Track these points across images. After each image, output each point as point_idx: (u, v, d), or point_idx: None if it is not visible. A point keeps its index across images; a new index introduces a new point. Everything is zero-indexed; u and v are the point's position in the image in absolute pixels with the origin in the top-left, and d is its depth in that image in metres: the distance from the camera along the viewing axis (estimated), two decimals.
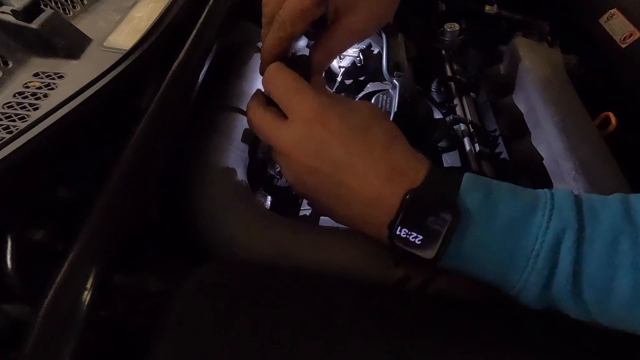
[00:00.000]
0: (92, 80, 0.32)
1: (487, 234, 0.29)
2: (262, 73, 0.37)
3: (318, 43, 0.38)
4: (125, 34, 0.41)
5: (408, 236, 0.29)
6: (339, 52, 0.40)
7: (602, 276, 0.27)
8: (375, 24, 0.39)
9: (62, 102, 0.31)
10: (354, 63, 0.63)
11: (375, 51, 0.63)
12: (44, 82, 0.35)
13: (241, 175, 0.39)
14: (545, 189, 0.31)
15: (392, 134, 0.34)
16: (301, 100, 0.32)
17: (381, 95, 0.54)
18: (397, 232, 0.30)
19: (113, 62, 0.34)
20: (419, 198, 0.30)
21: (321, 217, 0.45)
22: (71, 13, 0.43)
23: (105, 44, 0.39)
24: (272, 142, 0.34)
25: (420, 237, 0.29)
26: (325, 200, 0.33)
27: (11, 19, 0.36)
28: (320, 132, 0.31)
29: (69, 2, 0.43)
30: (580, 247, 0.27)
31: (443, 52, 0.66)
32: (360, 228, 0.33)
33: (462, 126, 0.55)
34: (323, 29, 0.38)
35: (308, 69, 0.37)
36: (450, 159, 0.56)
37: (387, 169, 0.31)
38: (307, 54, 0.39)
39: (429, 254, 0.29)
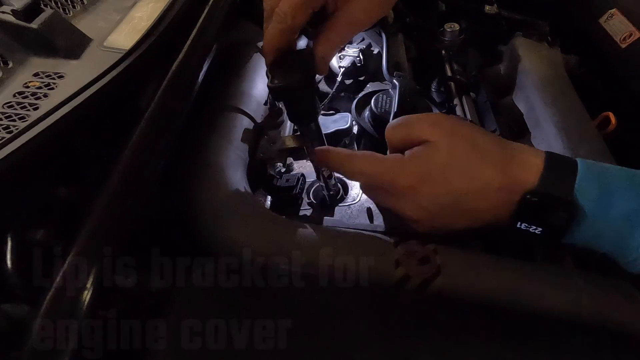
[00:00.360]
0: (92, 80, 0.32)
1: (602, 226, 0.31)
2: (267, 65, 0.36)
3: (320, 35, 0.37)
4: (125, 34, 0.41)
5: (528, 228, 0.33)
6: (341, 43, 0.40)
7: None
8: (375, 14, 0.39)
9: (62, 102, 0.31)
10: (354, 63, 0.63)
11: (375, 51, 0.63)
12: (44, 82, 0.35)
13: (241, 175, 0.39)
14: None
15: (486, 142, 0.35)
16: (394, 177, 0.35)
17: (381, 95, 0.54)
18: (519, 226, 0.33)
19: (113, 62, 0.34)
20: (536, 197, 0.32)
21: (325, 218, 0.45)
22: (71, 13, 0.43)
23: (105, 43, 0.39)
24: (397, 213, 0.37)
25: (540, 229, 0.33)
26: (454, 224, 0.36)
27: (11, 19, 0.36)
28: (425, 192, 0.34)
29: (69, 2, 0.43)
30: None
31: (443, 52, 0.66)
32: (483, 226, 0.36)
33: None
34: (324, 21, 0.37)
35: (312, 62, 0.36)
36: None
37: (502, 178, 0.33)
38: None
39: (548, 239, 0.33)
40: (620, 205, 0.31)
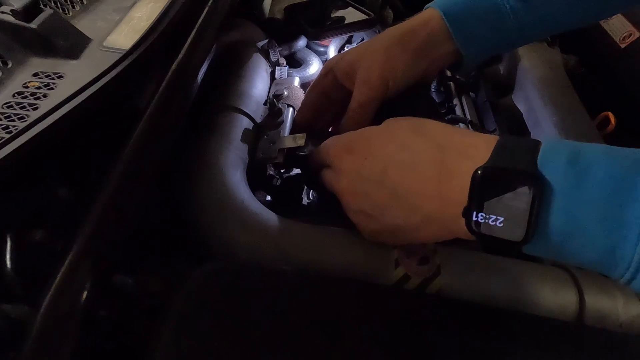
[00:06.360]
0: (91, 80, 0.32)
1: (578, 205, 0.23)
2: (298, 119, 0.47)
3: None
4: (125, 34, 0.41)
5: (487, 220, 0.25)
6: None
7: None
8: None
9: (62, 102, 0.31)
10: None
11: None
12: (44, 82, 0.35)
13: (241, 175, 0.39)
14: None
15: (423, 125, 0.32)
16: (328, 145, 0.36)
17: None
18: (475, 219, 0.26)
19: (112, 62, 0.34)
20: (489, 173, 0.25)
21: (325, 218, 0.45)
22: (71, 13, 0.43)
23: (104, 43, 0.39)
24: (335, 192, 0.36)
25: (501, 219, 0.25)
26: (388, 211, 0.31)
27: (11, 18, 0.36)
28: (347, 157, 0.34)
29: (69, 2, 0.43)
30: None
31: None
32: (436, 234, 0.31)
33: (462, 126, 0.55)
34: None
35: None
36: None
37: (438, 150, 0.29)
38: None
39: (517, 236, 0.25)
40: (599, 177, 0.23)
